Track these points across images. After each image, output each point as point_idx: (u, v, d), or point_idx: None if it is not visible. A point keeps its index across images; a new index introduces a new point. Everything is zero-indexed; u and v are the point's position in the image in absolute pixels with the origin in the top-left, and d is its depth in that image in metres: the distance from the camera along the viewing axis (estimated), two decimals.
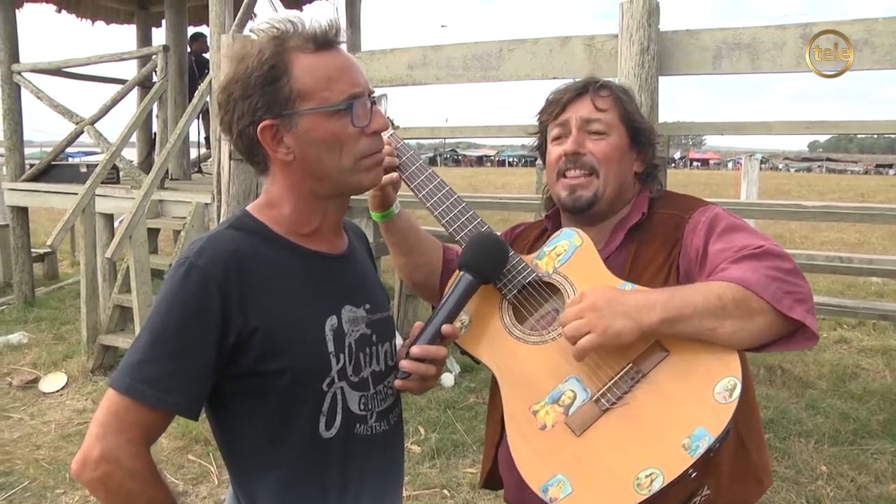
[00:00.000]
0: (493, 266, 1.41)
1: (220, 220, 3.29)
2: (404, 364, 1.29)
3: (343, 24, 1.32)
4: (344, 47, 1.24)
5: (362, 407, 1.26)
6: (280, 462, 1.20)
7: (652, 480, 1.16)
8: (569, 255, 1.43)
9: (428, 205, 1.52)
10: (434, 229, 1.91)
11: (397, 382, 1.31)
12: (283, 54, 1.15)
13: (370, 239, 1.53)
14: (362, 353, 1.27)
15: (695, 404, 1.20)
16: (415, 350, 1.29)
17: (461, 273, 1.37)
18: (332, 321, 1.22)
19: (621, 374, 1.27)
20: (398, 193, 1.61)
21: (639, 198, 1.56)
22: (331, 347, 1.21)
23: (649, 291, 1.28)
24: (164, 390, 1.09)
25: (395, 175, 1.53)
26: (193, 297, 1.11)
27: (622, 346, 1.24)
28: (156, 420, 1.11)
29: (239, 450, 1.23)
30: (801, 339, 1.24)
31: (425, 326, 1.33)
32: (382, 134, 1.50)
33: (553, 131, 1.57)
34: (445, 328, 1.31)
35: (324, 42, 1.17)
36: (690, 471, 1.16)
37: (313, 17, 1.18)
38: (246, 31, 4.84)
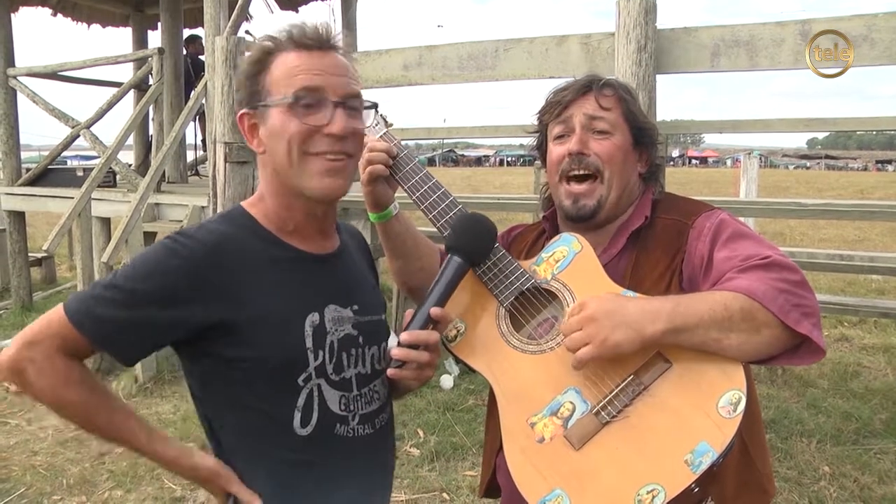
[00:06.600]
0: (480, 246, 1.38)
1: None
2: (395, 352, 1.26)
3: (339, 25, 1.34)
4: (337, 52, 1.23)
5: (343, 407, 1.25)
6: (263, 455, 1.21)
7: (653, 497, 1.14)
8: (568, 261, 1.39)
9: (423, 207, 1.48)
10: (429, 230, 1.87)
11: (390, 371, 1.27)
12: (271, 54, 1.20)
13: (367, 240, 1.50)
14: (346, 353, 1.26)
15: (698, 418, 1.17)
16: (404, 336, 1.26)
17: (449, 256, 1.35)
18: (312, 318, 1.23)
19: (622, 385, 1.24)
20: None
21: (642, 200, 1.52)
22: (309, 343, 1.21)
23: (652, 300, 1.25)
24: (104, 333, 1.13)
25: (380, 167, 1.45)
26: (170, 268, 1.14)
27: (623, 357, 1.21)
28: (83, 347, 1.15)
29: (226, 442, 1.24)
30: (806, 354, 1.21)
31: (415, 313, 1.30)
32: (373, 133, 1.47)
33: (555, 130, 1.53)
34: (435, 311, 1.28)
35: (305, 42, 1.19)
36: (693, 486, 1.14)
37: (306, 19, 1.21)
38: (241, 33, 4.82)
